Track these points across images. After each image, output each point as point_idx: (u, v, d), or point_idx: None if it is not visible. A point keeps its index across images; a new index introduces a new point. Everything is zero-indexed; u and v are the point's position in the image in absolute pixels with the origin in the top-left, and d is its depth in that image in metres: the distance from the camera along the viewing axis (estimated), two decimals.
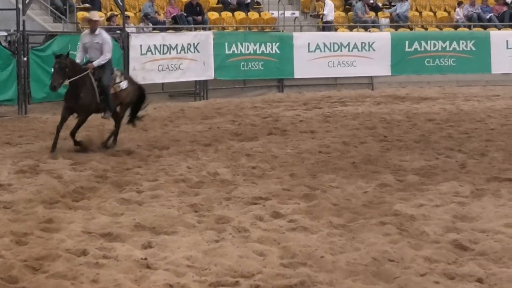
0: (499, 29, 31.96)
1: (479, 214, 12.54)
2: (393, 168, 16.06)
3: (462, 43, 30.42)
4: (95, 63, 17.61)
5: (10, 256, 10.26)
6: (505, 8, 32.78)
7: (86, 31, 18.28)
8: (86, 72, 17.52)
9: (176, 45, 26.83)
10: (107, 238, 11.10)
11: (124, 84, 18.24)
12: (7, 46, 23.02)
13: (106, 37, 18.03)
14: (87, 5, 28.83)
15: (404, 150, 17.99)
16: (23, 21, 23.45)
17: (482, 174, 15.40)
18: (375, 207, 12.99)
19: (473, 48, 30.43)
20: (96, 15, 18.63)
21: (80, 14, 28.14)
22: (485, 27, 31.83)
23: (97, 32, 17.87)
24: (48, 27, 27.56)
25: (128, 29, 26.37)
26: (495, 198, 13.57)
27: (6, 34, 23.54)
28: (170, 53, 26.56)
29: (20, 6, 23.53)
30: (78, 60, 18.02)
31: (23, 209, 12.67)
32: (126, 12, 27.13)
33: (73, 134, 17.54)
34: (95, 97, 17.59)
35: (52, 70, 17.38)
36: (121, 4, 26.46)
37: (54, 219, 12.05)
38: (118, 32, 26.06)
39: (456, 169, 15.93)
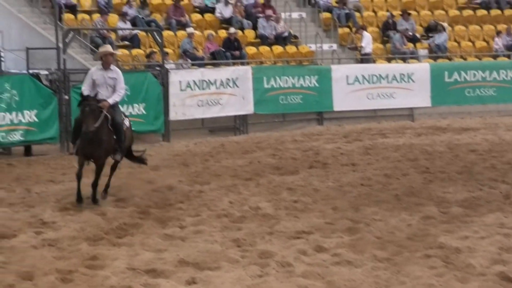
0: None
1: None
2: (437, 200, 15.98)
3: (502, 73, 30.25)
4: (111, 101, 15.94)
5: None
6: None
7: (98, 66, 16.46)
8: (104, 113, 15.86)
9: (215, 80, 26.86)
10: (151, 274, 11.14)
11: (127, 122, 17.01)
12: (48, 84, 23.13)
13: (120, 71, 16.59)
14: (127, 42, 29.03)
15: (447, 182, 17.90)
16: (64, 59, 23.61)
17: None
18: (420, 240, 12.93)
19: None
20: (111, 48, 17.29)
21: (120, 52, 28.26)
22: None
23: (111, 67, 16.32)
24: (88, 65, 27.68)
25: (167, 66, 26.45)
26: None
27: (47, 73, 23.66)
28: (209, 89, 26.59)
29: (61, 45, 23.70)
30: (82, 95, 16.22)
31: (68, 247, 12.74)
32: (165, 49, 27.23)
33: (96, 185, 16.03)
34: (112, 138, 16.08)
35: (83, 112, 15.68)
36: (160, 41, 26.55)
37: (99, 256, 12.10)
38: (157, 68, 26.12)
39: (501, 200, 15.84)
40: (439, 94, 29.83)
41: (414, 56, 31.90)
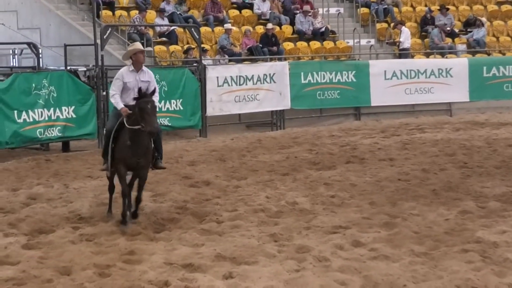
0: None
1: None
2: (474, 194, 15.94)
3: None
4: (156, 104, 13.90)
5: None
6: None
7: (128, 67, 14.15)
8: None
9: (252, 76, 26.88)
10: (188, 269, 11.19)
11: None
12: (86, 81, 23.24)
13: (152, 73, 14.39)
14: (164, 38, 29.13)
15: (485, 177, 17.84)
16: (102, 56, 23.70)
17: None
18: (457, 235, 12.90)
19: None
20: (141, 45, 14.79)
21: (157, 48, 28.39)
22: None
23: (143, 68, 14.12)
24: (126, 62, 27.82)
25: (204, 62, 26.52)
26: None
27: (85, 69, 23.79)
28: (246, 84, 26.64)
29: (98, 41, 23.79)
30: (119, 104, 13.84)
31: (105, 241, 12.82)
32: (202, 45, 27.28)
33: (140, 200, 14.28)
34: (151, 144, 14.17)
35: (144, 110, 13.31)
36: (197, 37, 26.62)
37: (136, 251, 12.18)
38: (195, 64, 26.20)
39: None
40: (477, 89, 29.73)
41: (452, 51, 31.80)
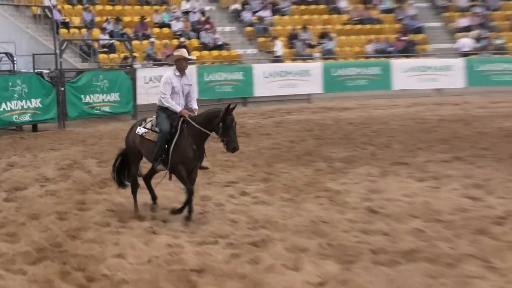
0: (398, 58, 32.20)
1: (385, 188, 12.70)
2: (325, 158, 16.15)
3: (371, 69, 30.57)
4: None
5: (56, 228, 10.32)
6: (404, 43, 32.89)
7: (174, 71, 10.92)
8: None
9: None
10: (124, 213, 11.15)
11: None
12: (49, 80, 22.93)
13: (190, 77, 11.29)
14: (106, 49, 28.78)
15: (333, 145, 18.09)
16: (60, 62, 23.37)
17: (387, 160, 15.55)
18: (313, 186, 13.09)
19: (378, 72, 30.64)
20: (186, 53, 11.25)
21: (101, 56, 28.08)
22: (388, 57, 32.03)
23: (185, 72, 11.04)
24: (78, 66, 27.51)
25: (135, 66, 26.33)
26: (396, 177, 13.74)
27: (48, 72, 23.50)
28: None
29: (58, 51, 23.53)
30: (177, 106, 10.79)
31: (64, 195, 12.70)
32: (133, 54, 27.08)
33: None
34: None
35: (229, 128, 10.51)
36: (130, 48, 26.50)
37: (86, 201, 12.11)
38: (128, 68, 26.02)
39: (369, 157, 16.07)
40: (328, 84, 30.05)
41: (311, 58, 32.05)
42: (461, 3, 35.33)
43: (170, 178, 10.95)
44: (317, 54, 32.46)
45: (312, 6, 35.29)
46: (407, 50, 32.62)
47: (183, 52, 11.07)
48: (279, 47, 31.59)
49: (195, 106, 10.99)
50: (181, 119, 10.70)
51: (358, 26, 34.43)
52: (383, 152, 16.61)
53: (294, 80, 29.68)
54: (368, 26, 34.36)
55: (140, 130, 11.08)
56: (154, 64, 28.48)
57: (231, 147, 10.55)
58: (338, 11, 35.10)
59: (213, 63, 30.14)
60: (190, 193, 10.62)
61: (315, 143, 18.58)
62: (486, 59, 31.60)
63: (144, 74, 26.11)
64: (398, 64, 31.04)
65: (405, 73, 30.70)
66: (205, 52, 30.87)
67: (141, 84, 25.62)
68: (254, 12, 33.74)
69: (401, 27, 34.04)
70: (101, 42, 29.09)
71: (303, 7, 35.15)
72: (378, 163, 15.17)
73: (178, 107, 10.76)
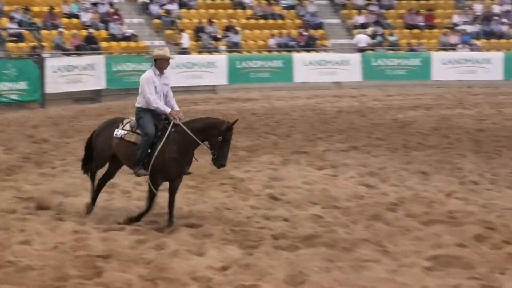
0: (299, 52, 32.46)
1: (286, 176, 12.79)
2: (230, 147, 16.11)
3: (273, 62, 30.72)
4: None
5: None
6: (305, 38, 33.13)
7: (154, 71, 9.76)
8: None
9: (79, 65, 26.29)
10: (30, 200, 10.84)
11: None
12: None
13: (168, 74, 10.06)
14: (15, 38, 27.90)
15: (237, 134, 17.74)
16: None
17: (288, 149, 15.67)
18: (217, 174, 13.00)
19: (280, 65, 30.78)
20: (168, 52, 10.08)
21: (9, 45, 27.27)
22: (290, 51, 32.21)
23: (165, 71, 9.91)
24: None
25: (43, 55, 25.65)
26: (297, 165, 13.85)
27: None
28: (73, 71, 26.00)
29: None
30: (166, 107, 9.79)
31: None
32: (42, 43, 26.33)
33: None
34: None
35: (227, 143, 9.82)
36: (39, 37, 25.83)
37: None
38: (36, 57, 25.35)
39: (271, 146, 16.15)
40: (233, 75, 30.02)
41: (216, 50, 31.95)
42: (358, 1, 35.88)
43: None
44: (222, 47, 32.37)
45: (218, 1, 35.18)
46: (308, 45, 32.95)
47: (166, 52, 9.98)
48: (185, 39, 31.34)
49: (176, 107, 9.91)
50: (172, 122, 9.60)
51: (262, 21, 34.52)
52: (284, 142, 16.71)
53: (200, 72, 29.53)
54: (271, 21, 34.49)
55: (119, 132, 9.88)
56: (63, 54, 27.79)
57: (220, 163, 9.68)
58: (242, 6, 35.08)
59: (121, 53, 29.62)
60: (151, 202, 9.61)
61: None
62: (381, 54, 32.23)
63: (52, 63, 25.45)
64: (299, 58, 31.31)
65: (306, 67, 30.99)
66: (114, 43, 30.34)
67: (49, 73, 24.95)
68: (162, 5, 33.35)
69: (302, 23, 34.33)
70: (9, 31, 28.15)
71: (209, 1, 35.00)
72: (280, 152, 15.25)
73: (167, 108, 9.69)
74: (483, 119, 20.76)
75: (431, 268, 7.90)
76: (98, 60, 27.09)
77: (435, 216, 10.01)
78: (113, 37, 30.60)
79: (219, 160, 9.65)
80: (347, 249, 8.53)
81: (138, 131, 9.75)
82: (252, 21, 34.50)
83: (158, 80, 9.72)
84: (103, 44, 29.77)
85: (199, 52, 31.52)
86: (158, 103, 9.65)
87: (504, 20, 35.27)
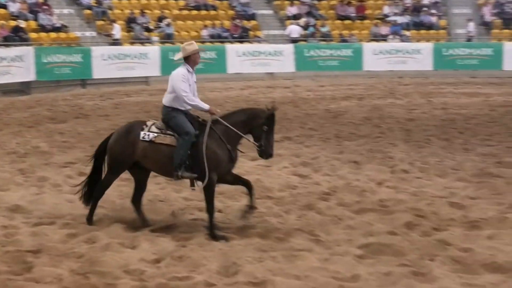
0: (232, 43, 32.41)
1: None
2: None
3: (207, 53, 30.43)
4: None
5: None
6: (239, 30, 33.08)
7: (186, 68, 9.16)
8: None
9: (7, 56, 25.71)
10: None
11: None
12: None
13: None
14: None
15: None
16: None
17: None
18: None
19: (214, 56, 30.66)
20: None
21: None
22: (223, 42, 32.14)
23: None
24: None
25: None
26: None
27: None
28: (2, 63, 25.41)
29: None
30: (204, 104, 9.16)
31: None
32: None
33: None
34: None
35: (272, 132, 9.13)
36: None
37: None
38: None
39: None
40: (166, 67, 29.31)
41: (149, 41, 31.66)
42: None
43: (192, 185, 9.08)
44: (155, 38, 32.10)
45: None
46: (241, 36, 32.96)
47: (196, 45, 9.34)
48: (117, 30, 30.93)
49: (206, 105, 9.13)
50: (210, 118, 9.02)
51: (195, 12, 34.38)
52: None
53: (133, 63, 29.20)
54: (204, 12, 34.39)
55: (147, 135, 9.07)
56: None
57: (269, 153, 9.05)
58: None
59: (51, 45, 29.08)
60: (211, 213, 8.83)
61: None
62: (313, 45, 32.47)
63: None
64: (233, 49, 31.30)
65: (239, 58, 30.99)
66: (43, 34, 29.75)
67: None
68: None
69: (235, 14, 34.31)
70: None
71: None
72: None
73: (205, 105, 9.04)
74: (413, 108, 21.13)
75: (362, 256, 8.02)
76: (27, 51, 26.55)
77: (367, 205, 10.17)
78: (42, 28, 30.01)
79: (268, 151, 9.01)
80: (280, 239, 8.58)
81: (169, 132, 9.01)
82: (185, 12, 34.35)
83: (191, 78, 9.12)
84: (32, 35, 29.18)
85: (131, 43, 31.20)
86: (195, 100, 9.03)
87: (433, 11, 35.97)
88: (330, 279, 7.27)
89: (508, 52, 31.67)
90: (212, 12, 34.53)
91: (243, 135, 8.99)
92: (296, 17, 34.47)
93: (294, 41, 32.47)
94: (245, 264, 7.63)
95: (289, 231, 8.89)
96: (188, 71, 9.11)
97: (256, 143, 8.98)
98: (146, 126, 9.18)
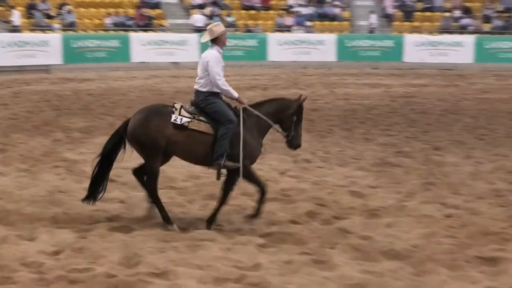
0: (137, 31, 32.01)
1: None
2: (63, 128, 15.79)
3: (111, 42, 30.13)
4: None
5: None
6: (145, 19, 32.71)
7: (217, 49, 8.64)
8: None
9: None
10: None
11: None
12: None
13: None
14: None
15: (72, 115, 17.69)
16: None
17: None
18: (50, 156, 12.77)
19: (117, 45, 30.19)
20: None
21: None
22: (127, 30, 31.70)
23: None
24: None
25: None
26: None
27: None
28: None
29: None
30: (234, 92, 8.65)
31: None
32: None
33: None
34: None
35: (300, 123, 9.06)
36: None
37: None
38: None
39: (107, 127, 15.77)
40: (68, 55, 29.16)
41: (50, 28, 30.87)
42: None
43: (218, 178, 8.75)
44: (56, 25, 31.37)
45: None
46: (145, 25, 32.62)
47: (222, 25, 8.78)
48: (16, 16, 30.10)
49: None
50: (241, 107, 8.64)
51: None
52: (121, 123, 16.42)
53: (33, 51, 28.47)
54: (107, 0, 33.84)
55: (178, 118, 8.46)
56: None
57: (297, 143, 8.95)
58: None
59: None
60: (263, 192, 8.74)
61: (54, 113, 18.04)
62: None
63: None
64: (137, 37, 30.96)
65: (144, 47, 30.69)
66: None
67: None
68: None
69: (139, 2, 33.92)
70: None
71: None
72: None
73: (235, 93, 8.58)
74: (316, 99, 21.43)
75: (264, 245, 8.10)
76: None
77: (270, 194, 10.20)
78: None
79: (297, 141, 8.91)
80: (183, 229, 8.57)
81: (202, 118, 8.52)
82: None
83: (222, 60, 8.58)
84: None
85: (32, 30, 30.39)
86: (227, 86, 8.51)
87: (337, 2, 36.57)
88: (232, 268, 7.31)
89: (408, 44, 32.61)
90: (116, 0, 34.02)
91: (273, 124, 8.76)
92: (201, 6, 34.39)
93: (198, 30, 32.38)
94: (147, 255, 7.58)
95: (192, 221, 8.89)
96: (219, 52, 8.61)
97: (284, 133, 8.84)
98: (175, 108, 8.59)
